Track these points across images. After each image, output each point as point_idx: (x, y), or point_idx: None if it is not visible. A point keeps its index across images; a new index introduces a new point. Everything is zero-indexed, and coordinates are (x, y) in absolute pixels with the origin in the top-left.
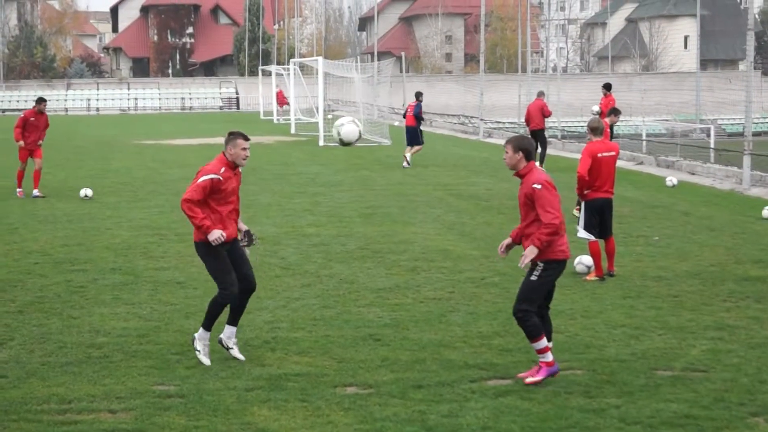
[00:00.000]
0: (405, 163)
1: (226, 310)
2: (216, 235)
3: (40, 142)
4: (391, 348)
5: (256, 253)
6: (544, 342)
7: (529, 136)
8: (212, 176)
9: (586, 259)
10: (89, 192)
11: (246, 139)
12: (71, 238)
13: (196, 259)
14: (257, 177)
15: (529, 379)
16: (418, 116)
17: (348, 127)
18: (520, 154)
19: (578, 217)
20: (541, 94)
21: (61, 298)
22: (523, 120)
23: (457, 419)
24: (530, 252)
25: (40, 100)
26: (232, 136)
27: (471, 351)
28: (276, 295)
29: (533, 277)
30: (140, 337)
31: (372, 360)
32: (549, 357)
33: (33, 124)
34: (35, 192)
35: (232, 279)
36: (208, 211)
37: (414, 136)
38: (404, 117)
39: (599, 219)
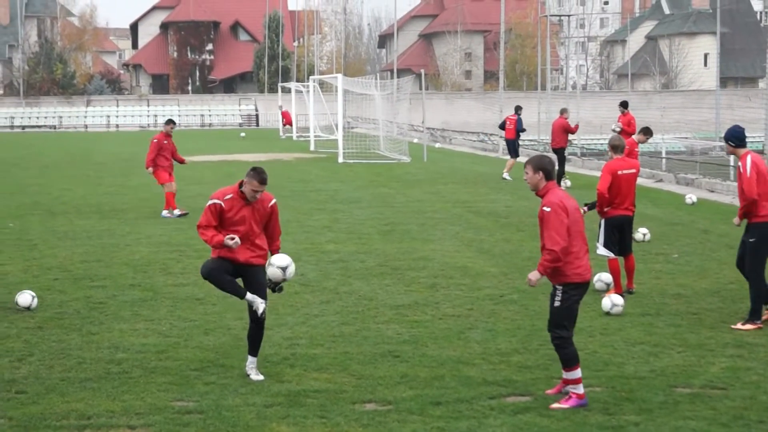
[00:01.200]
0: (506, 175)
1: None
2: (229, 243)
3: (185, 162)
4: (410, 365)
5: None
6: (578, 373)
7: (548, 155)
8: (214, 202)
9: (606, 276)
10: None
11: (262, 183)
12: (90, 255)
13: None
14: (276, 194)
15: (555, 405)
16: (520, 130)
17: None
18: (540, 174)
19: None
20: (563, 111)
21: (81, 314)
22: (544, 137)
23: None
24: (533, 275)
25: (170, 122)
26: (253, 173)
27: (490, 368)
28: (295, 311)
29: (556, 303)
30: (159, 353)
31: (391, 376)
32: (581, 389)
33: (166, 147)
34: (165, 213)
35: (222, 266)
36: (224, 233)
37: (514, 148)
38: (502, 128)
39: (619, 236)
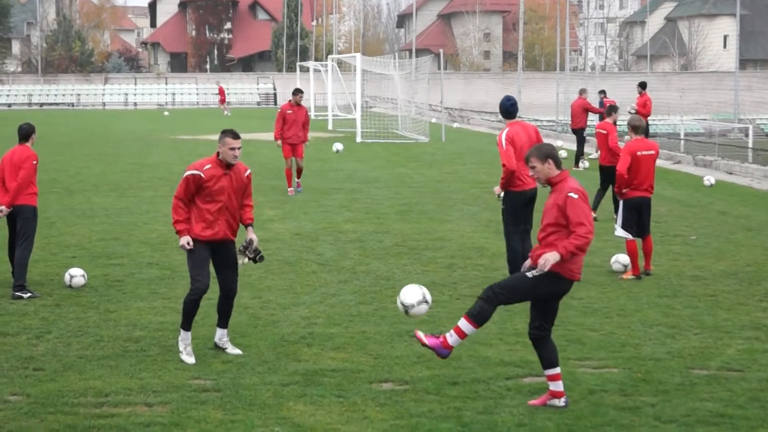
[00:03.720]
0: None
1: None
2: (183, 241)
3: (306, 143)
4: None
5: (285, 253)
6: (470, 328)
7: (549, 143)
8: (193, 172)
9: (623, 258)
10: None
11: (235, 137)
12: (108, 233)
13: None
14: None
15: (420, 335)
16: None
17: None
18: (550, 162)
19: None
20: (582, 91)
21: (98, 291)
22: (562, 117)
23: (493, 416)
24: (552, 257)
25: (297, 91)
26: (223, 134)
27: (506, 348)
28: (313, 290)
29: (528, 274)
30: (177, 331)
31: (408, 356)
32: (454, 339)
33: (291, 118)
34: (298, 189)
35: (202, 274)
36: (193, 208)
37: None
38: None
39: (637, 217)
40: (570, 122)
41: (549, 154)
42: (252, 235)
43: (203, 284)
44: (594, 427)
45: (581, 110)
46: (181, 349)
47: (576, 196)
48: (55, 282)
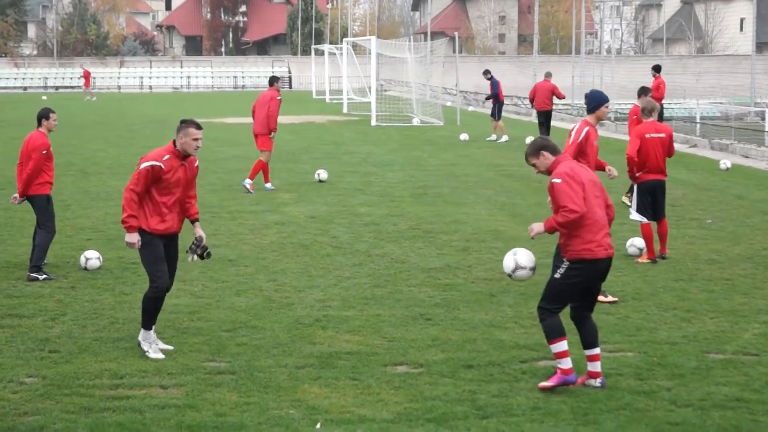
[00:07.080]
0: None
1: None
2: (133, 239)
3: (273, 134)
4: (442, 328)
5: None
6: (562, 345)
7: (543, 137)
8: (153, 163)
9: (638, 242)
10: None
11: (198, 128)
12: None
13: (247, 237)
14: (309, 156)
15: (542, 384)
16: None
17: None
18: (544, 153)
19: (629, 204)
20: (548, 75)
21: (113, 274)
22: (578, 101)
23: (508, 399)
24: (537, 227)
25: (273, 80)
26: (184, 124)
27: (522, 331)
28: (327, 273)
29: (556, 275)
30: (191, 314)
31: (422, 339)
32: (567, 363)
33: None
34: (248, 182)
35: (162, 270)
36: (148, 201)
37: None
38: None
39: (651, 201)
40: (536, 104)
41: (542, 146)
42: (200, 231)
43: (164, 281)
44: (609, 410)
45: (550, 93)
46: (145, 348)
47: (559, 181)
48: (70, 264)
